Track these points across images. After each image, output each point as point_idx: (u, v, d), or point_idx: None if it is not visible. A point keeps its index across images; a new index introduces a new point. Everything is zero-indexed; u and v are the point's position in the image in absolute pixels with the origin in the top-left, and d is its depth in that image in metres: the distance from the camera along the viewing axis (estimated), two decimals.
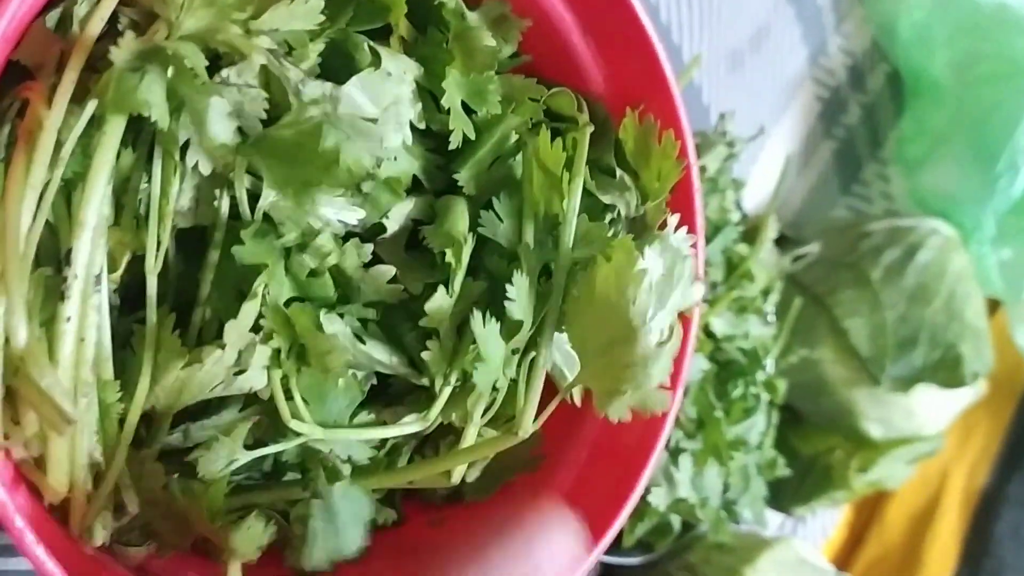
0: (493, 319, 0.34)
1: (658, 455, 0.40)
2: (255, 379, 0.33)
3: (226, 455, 0.33)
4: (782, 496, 0.77)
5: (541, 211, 0.36)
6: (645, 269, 0.31)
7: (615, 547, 0.62)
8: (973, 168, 0.79)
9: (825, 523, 0.88)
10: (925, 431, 0.76)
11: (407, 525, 0.41)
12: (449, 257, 0.35)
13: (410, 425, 0.36)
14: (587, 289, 0.32)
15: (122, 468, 0.32)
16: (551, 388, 0.36)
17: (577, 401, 0.38)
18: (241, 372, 0.33)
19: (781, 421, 0.81)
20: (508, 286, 0.34)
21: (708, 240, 0.65)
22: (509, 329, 0.34)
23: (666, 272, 0.32)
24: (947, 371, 0.72)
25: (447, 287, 0.35)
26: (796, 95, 0.84)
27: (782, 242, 0.77)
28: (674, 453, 0.59)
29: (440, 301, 0.34)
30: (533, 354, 0.35)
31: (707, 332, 0.64)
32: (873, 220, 0.79)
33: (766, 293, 0.69)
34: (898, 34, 0.88)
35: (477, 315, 0.33)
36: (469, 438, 0.36)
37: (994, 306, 0.94)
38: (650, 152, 0.37)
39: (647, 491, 0.58)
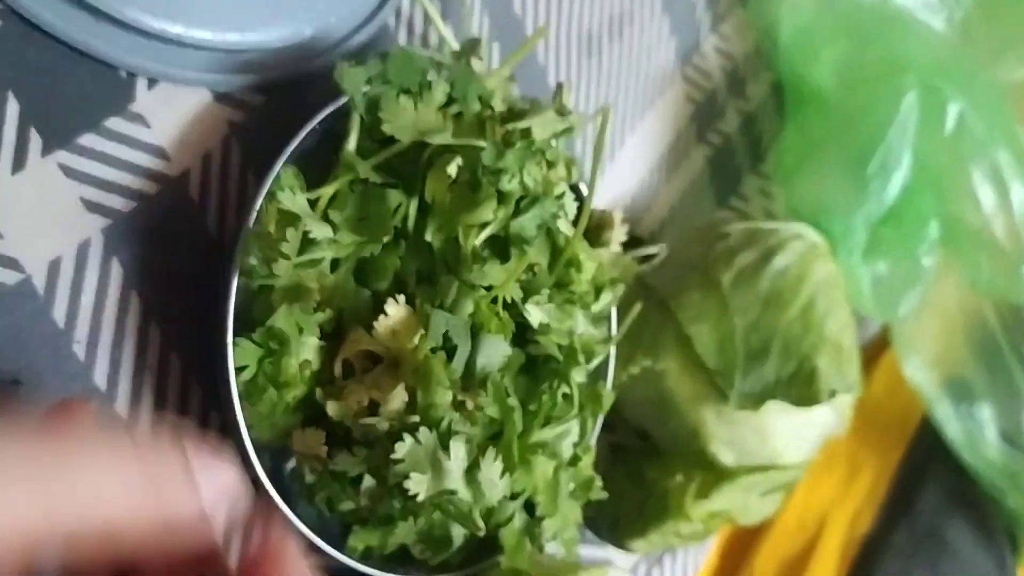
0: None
1: None
2: None
3: None
4: (620, 528, 0.68)
5: None
6: None
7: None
8: (845, 172, 0.72)
9: (687, 569, 0.78)
10: (782, 459, 0.67)
11: None
12: None
13: None
14: None
15: None
16: None
17: None
18: None
19: (637, 452, 0.72)
20: None
21: (521, 210, 0.57)
22: None
23: None
24: (800, 386, 0.63)
25: None
26: (664, 92, 0.78)
27: (637, 245, 0.70)
28: (444, 435, 0.49)
29: None
30: None
31: (515, 315, 0.55)
32: (733, 222, 0.71)
33: (599, 289, 0.61)
34: (781, 40, 0.82)
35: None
36: None
37: (886, 343, 0.87)
38: None
39: (406, 476, 0.48)
